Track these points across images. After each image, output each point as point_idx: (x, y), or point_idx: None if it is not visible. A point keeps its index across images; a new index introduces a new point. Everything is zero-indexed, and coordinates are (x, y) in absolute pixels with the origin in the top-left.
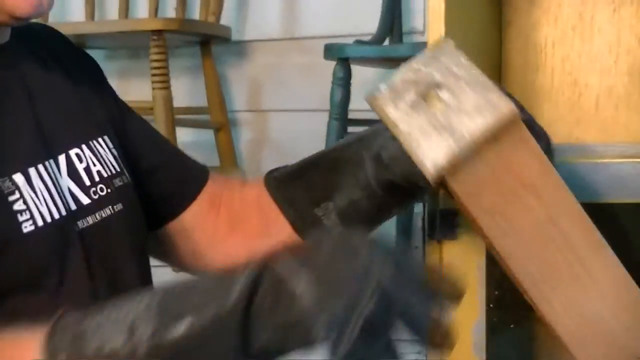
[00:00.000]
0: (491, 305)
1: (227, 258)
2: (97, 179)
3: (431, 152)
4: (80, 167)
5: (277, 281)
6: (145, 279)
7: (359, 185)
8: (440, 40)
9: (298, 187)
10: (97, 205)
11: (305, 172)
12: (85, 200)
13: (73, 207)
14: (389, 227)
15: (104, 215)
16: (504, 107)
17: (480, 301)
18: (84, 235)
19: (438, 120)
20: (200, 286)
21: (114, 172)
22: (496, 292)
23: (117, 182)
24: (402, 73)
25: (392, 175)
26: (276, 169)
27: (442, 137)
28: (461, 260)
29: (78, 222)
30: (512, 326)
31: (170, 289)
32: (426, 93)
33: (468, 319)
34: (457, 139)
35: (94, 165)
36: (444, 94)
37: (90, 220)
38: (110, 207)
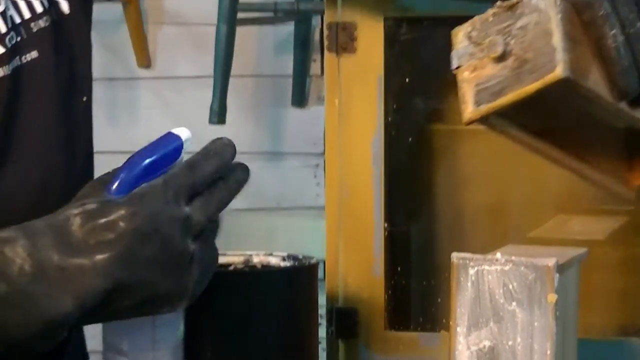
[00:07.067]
0: (389, 119)
1: None
2: (9, 25)
3: None
4: None
5: None
6: (70, 133)
7: None
8: None
9: None
10: (8, 55)
11: None
12: None
13: None
14: (286, 41)
15: (14, 65)
16: None
17: (379, 114)
18: None
19: None
20: None
21: (36, 12)
22: (394, 106)
23: (38, 25)
24: None
25: None
26: None
27: None
28: (360, 72)
29: None
30: (409, 139)
31: None
32: None
33: (367, 132)
34: None
35: (9, 9)
36: None
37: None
38: (21, 56)
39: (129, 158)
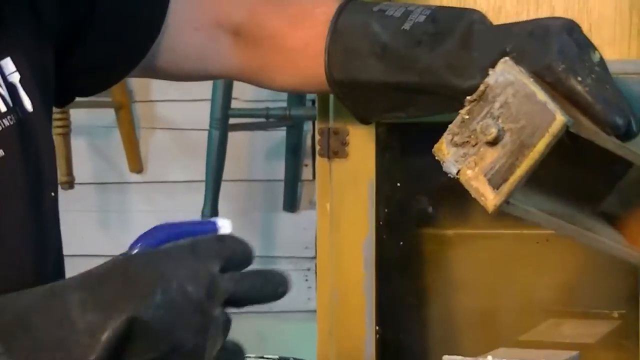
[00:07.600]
0: (381, 223)
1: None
2: None
3: None
4: None
5: None
6: (41, 229)
7: None
8: None
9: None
10: None
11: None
12: None
13: None
14: (278, 146)
15: None
16: None
17: (370, 218)
18: None
19: None
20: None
21: (0, 111)
22: (386, 210)
23: (3, 124)
24: None
25: None
26: None
27: None
28: (351, 177)
29: None
30: (401, 244)
31: None
32: None
33: (358, 236)
34: None
35: None
36: None
37: None
38: None
39: (154, 227)
